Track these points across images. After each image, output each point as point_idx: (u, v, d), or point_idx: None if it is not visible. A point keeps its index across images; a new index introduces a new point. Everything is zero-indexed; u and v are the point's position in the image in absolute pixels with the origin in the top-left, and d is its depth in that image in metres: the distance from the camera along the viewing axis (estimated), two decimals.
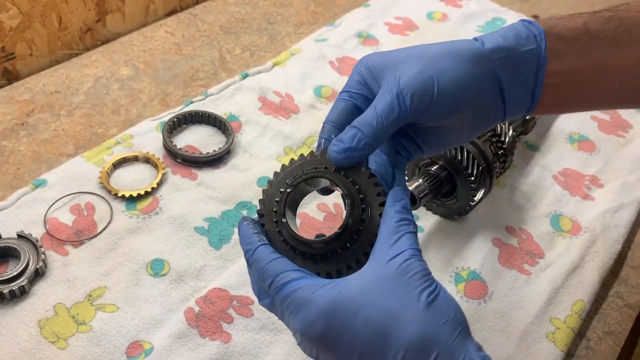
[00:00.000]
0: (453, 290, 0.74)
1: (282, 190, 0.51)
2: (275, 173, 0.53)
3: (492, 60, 0.52)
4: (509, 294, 0.74)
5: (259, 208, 0.52)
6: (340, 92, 0.56)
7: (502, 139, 0.82)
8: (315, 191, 0.53)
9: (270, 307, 0.48)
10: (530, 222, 0.83)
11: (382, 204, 0.48)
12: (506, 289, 0.75)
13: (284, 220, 0.49)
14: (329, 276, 0.47)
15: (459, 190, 0.78)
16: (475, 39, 0.53)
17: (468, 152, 0.76)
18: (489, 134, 0.81)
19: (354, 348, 0.43)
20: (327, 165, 0.51)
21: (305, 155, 0.53)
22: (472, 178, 0.75)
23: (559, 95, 0.56)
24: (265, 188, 0.53)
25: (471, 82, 0.51)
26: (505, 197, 0.86)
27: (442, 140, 0.57)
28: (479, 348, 0.44)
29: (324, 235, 0.48)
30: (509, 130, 0.84)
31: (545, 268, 0.78)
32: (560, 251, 0.80)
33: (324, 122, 0.55)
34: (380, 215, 0.48)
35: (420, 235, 0.79)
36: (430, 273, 0.45)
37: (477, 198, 0.78)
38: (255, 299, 0.69)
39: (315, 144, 0.88)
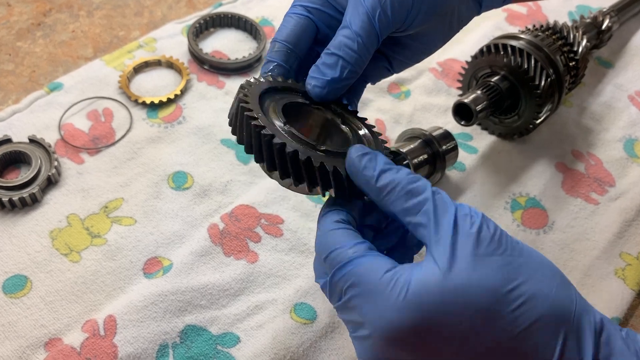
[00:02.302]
0: (509, 218, 0.65)
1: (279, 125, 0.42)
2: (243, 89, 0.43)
3: None
4: (573, 224, 0.65)
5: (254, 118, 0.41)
6: (292, 6, 0.49)
7: (575, 49, 0.71)
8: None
9: (331, 289, 0.38)
10: (600, 146, 0.73)
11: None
12: (570, 219, 0.66)
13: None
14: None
15: (522, 106, 0.68)
16: None
17: (536, 61, 0.66)
18: (559, 42, 0.69)
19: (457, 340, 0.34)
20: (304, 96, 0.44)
21: (253, 80, 0.44)
22: (539, 91, 0.65)
23: None
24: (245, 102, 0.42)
25: None
26: (573, 118, 0.75)
27: (414, 51, 0.51)
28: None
29: None
30: (582, 39, 0.72)
31: (615, 197, 0.68)
32: (634, 179, 0.70)
33: (272, 41, 0.48)
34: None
35: (473, 156, 0.70)
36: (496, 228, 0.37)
37: (542, 116, 0.68)
38: (286, 217, 0.62)
39: None
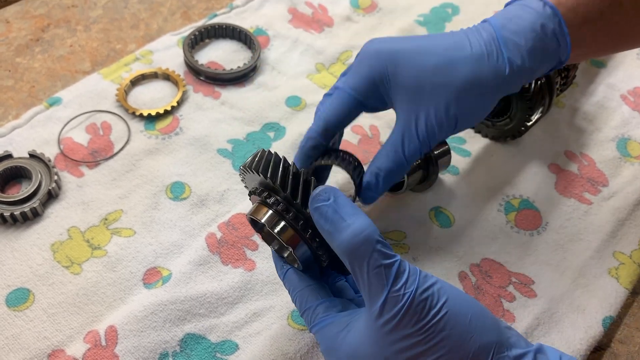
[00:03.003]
0: (502, 220, 0.66)
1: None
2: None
3: (515, 84, 0.53)
4: (566, 225, 0.66)
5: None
6: (343, 83, 0.55)
7: None
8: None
9: (387, 265, 0.43)
10: (593, 147, 0.73)
11: None
12: (563, 220, 0.66)
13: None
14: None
15: (513, 109, 0.69)
16: (500, 54, 0.51)
17: None
18: None
19: None
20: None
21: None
22: (529, 94, 0.66)
23: (584, 50, 0.55)
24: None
25: (488, 109, 0.55)
26: (565, 119, 0.76)
27: None
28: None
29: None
30: None
31: (609, 197, 0.69)
32: (627, 179, 0.70)
33: (317, 114, 0.56)
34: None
35: (467, 159, 0.71)
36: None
37: (533, 118, 0.69)
38: None
39: (350, 61, 0.80)
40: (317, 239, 0.45)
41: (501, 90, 0.53)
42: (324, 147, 0.56)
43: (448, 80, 0.51)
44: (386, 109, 0.57)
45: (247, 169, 0.47)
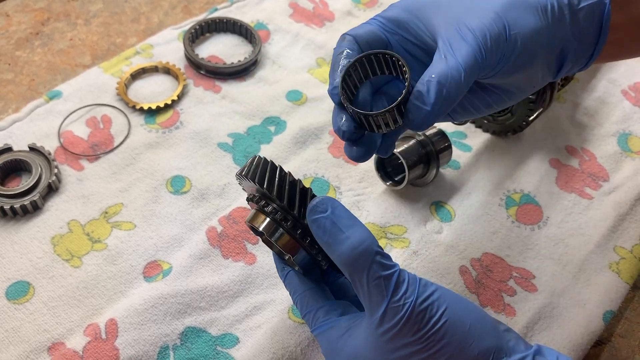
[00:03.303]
0: (504, 215, 0.66)
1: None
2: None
3: (560, 17, 0.46)
4: (567, 219, 0.66)
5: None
6: (373, 18, 0.48)
7: None
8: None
9: (386, 277, 0.42)
10: (594, 142, 0.73)
11: None
12: (564, 214, 0.66)
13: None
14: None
15: (514, 104, 0.68)
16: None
17: None
18: None
19: None
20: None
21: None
22: None
23: (618, 48, 0.50)
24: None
25: (541, 38, 0.45)
26: (566, 114, 0.76)
27: (481, 104, 0.49)
28: None
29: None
30: None
31: (609, 192, 0.69)
32: (628, 174, 0.70)
33: (343, 34, 0.47)
34: None
35: (467, 154, 0.71)
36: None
37: (534, 113, 0.69)
38: None
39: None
40: (316, 246, 0.45)
41: (549, 19, 0.45)
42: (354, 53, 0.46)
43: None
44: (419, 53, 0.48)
45: (242, 176, 0.47)
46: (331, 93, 0.45)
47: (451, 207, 0.66)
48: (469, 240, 0.63)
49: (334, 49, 0.47)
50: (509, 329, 0.43)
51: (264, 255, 0.61)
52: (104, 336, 0.54)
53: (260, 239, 0.55)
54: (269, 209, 0.46)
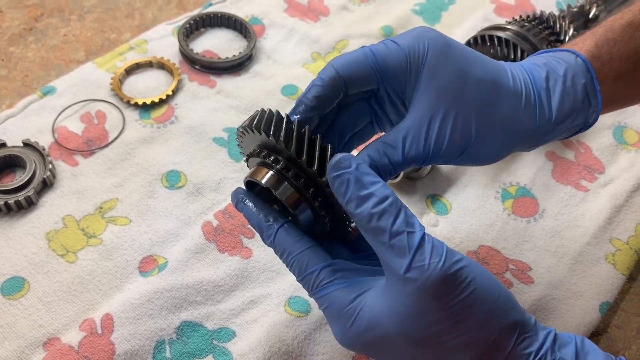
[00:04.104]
0: (500, 207, 0.66)
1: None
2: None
3: (534, 139, 0.47)
4: (563, 211, 0.66)
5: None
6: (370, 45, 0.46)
7: (562, 38, 0.71)
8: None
9: (409, 232, 0.39)
10: (589, 134, 0.73)
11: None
12: (560, 207, 0.66)
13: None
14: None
15: None
16: (537, 101, 0.45)
17: (522, 51, 0.66)
18: (546, 32, 0.70)
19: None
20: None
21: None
22: None
23: (613, 106, 0.50)
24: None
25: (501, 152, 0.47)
26: None
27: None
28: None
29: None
30: (569, 28, 0.73)
31: (605, 184, 0.69)
32: (623, 166, 0.70)
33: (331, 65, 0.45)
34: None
35: None
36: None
37: None
38: None
39: (346, 50, 0.78)
40: (320, 199, 0.43)
41: (523, 139, 0.46)
42: (328, 103, 0.45)
43: (486, 98, 0.44)
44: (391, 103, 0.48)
45: (246, 129, 0.44)
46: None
47: (447, 200, 0.66)
48: (465, 233, 0.63)
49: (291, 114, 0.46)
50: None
51: (260, 250, 0.61)
52: (99, 331, 0.54)
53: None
54: (272, 158, 0.43)
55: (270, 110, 0.44)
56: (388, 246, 0.38)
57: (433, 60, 0.44)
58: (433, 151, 0.43)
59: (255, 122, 0.43)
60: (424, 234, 0.38)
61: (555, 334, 0.40)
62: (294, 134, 0.42)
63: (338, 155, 0.40)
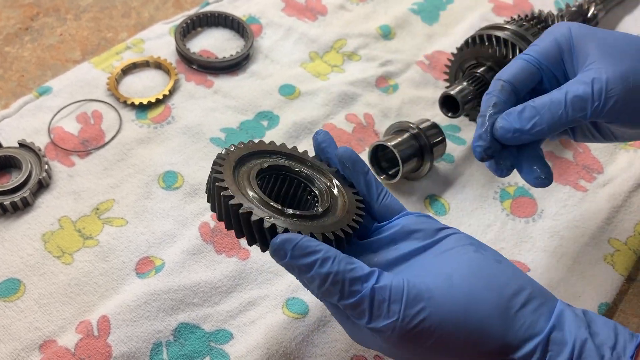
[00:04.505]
0: (498, 208, 0.65)
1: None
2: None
3: None
4: (562, 212, 0.66)
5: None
6: (525, 52, 0.50)
7: None
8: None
9: (353, 305, 0.40)
10: None
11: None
12: (558, 207, 0.66)
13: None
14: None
15: None
16: None
17: (520, 51, 0.66)
18: (540, 28, 0.70)
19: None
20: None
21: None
22: None
23: None
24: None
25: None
26: None
27: (604, 135, 0.53)
28: None
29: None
30: None
31: (604, 184, 0.68)
32: (622, 165, 0.70)
33: (496, 79, 0.50)
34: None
35: (461, 148, 0.71)
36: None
37: None
38: None
39: (344, 50, 0.78)
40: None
41: None
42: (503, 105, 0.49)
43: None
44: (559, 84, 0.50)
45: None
46: (474, 146, 0.48)
47: (445, 200, 0.66)
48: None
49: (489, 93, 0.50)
50: (527, 301, 0.40)
51: (258, 251, 0.60)
52: (96, 333, 0.53)
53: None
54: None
55: (218, 187, 0.42)
56: (342, 307, 0.40)
57: (579, 35, 0.47)
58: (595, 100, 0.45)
59: (209, 199, 0.44)
60: (372, 286, 0.38)
61: (549, 338, 0.39)
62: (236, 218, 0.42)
63: (273, 245, 0.41)
